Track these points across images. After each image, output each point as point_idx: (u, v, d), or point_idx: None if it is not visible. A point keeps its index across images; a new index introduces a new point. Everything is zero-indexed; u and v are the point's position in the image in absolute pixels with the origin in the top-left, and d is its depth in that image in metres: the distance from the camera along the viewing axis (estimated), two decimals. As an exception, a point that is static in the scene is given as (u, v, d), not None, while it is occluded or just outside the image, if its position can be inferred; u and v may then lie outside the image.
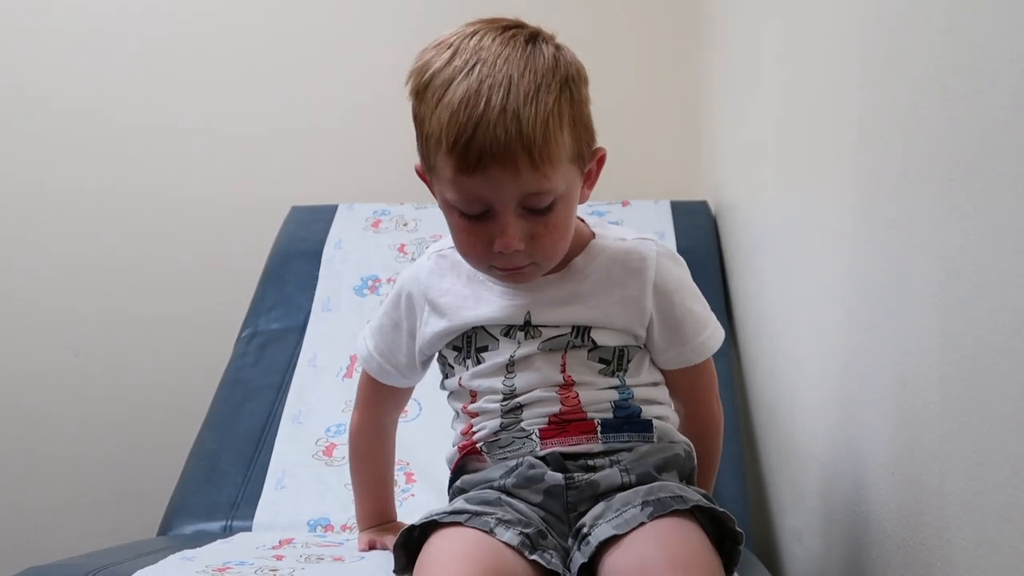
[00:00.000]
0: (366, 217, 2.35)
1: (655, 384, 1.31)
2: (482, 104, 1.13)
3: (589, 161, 1.24)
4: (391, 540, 1.29)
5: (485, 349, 1.28)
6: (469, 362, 1.29)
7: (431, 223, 2.31)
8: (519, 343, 1.27)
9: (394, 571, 1.20)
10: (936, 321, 1.04)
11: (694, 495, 1.19)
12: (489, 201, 1.16)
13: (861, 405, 1.29)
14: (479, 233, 1.19)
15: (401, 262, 2.22)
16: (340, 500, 1.75)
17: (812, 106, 1.55)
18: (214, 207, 2.66)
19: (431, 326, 1.32)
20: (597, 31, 2.61)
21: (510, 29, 1.20)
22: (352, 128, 2.69)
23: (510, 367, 1.26)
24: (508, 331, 1.28)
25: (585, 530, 1.18)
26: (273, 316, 2.16)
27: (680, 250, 2.16)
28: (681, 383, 1.34)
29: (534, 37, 1.20)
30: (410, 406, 1.89)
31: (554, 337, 1.26)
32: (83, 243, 2.66)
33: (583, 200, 1.26)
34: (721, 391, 1.86)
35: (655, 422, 1.28)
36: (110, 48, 2.68)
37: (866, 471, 1.27)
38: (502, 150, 1.12)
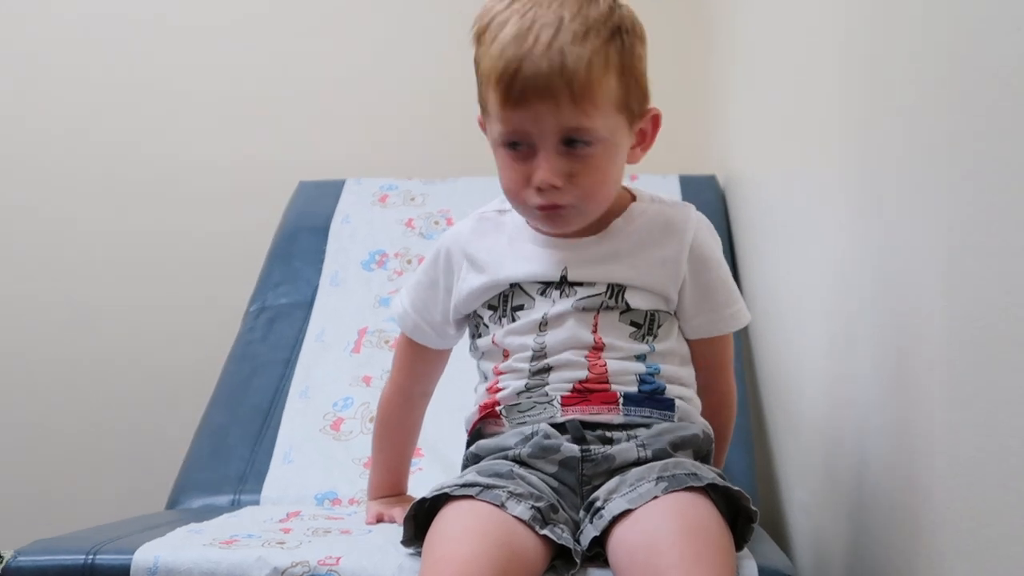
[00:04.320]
0: (373, 192, 2.34)
1: (683, 363, 1.31)
2: (531, 40, 1.18)
3: (640, 119, 1.28)
4: (400, 513, 1.30)
5: (521, 308, 1.29)
6: (504, 320, 1.30)
7: (439, 198, 2.30)
8: (554, 302, 1.28)
9: (402, 542, 1.21)
10: (941, 291, 1.03)
11: (709, 473, 1.19)
12: (531, 135, 1.21)
13: (866, 376, 1.29)
14: (522, 170, 1.23)
15: (409, 237, 2.22)
16: (347, 474, 1.75)
17: (821, 79, 1.54)
18: (222, 182, 2.65)
19: (468, 282, 1.33)
20: (605, 4, 2.59)
21: None
22: (360, 103, 2.68)
23: (543, 325, 1.27)
24: (544, 290, 1.29)
25: (599, 504, 1.18)
26: (281, 291, 2.16)
27: (688, 225, 2.16)
28: (704, 355, 1.35)
29: None
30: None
31: (588, 296, 1.27)
32: (90, 217, 2.66)
33: (634, 160, 1.29)
34: (729, 364, 1.86)
35: (678, 402, 1.28)
36: (117, 21, 2.68)
37: (872, 443, 1.26)
38: (544, 83, 1.17)
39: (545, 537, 1.15)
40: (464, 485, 1.19)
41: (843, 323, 1.40)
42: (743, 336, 2.04)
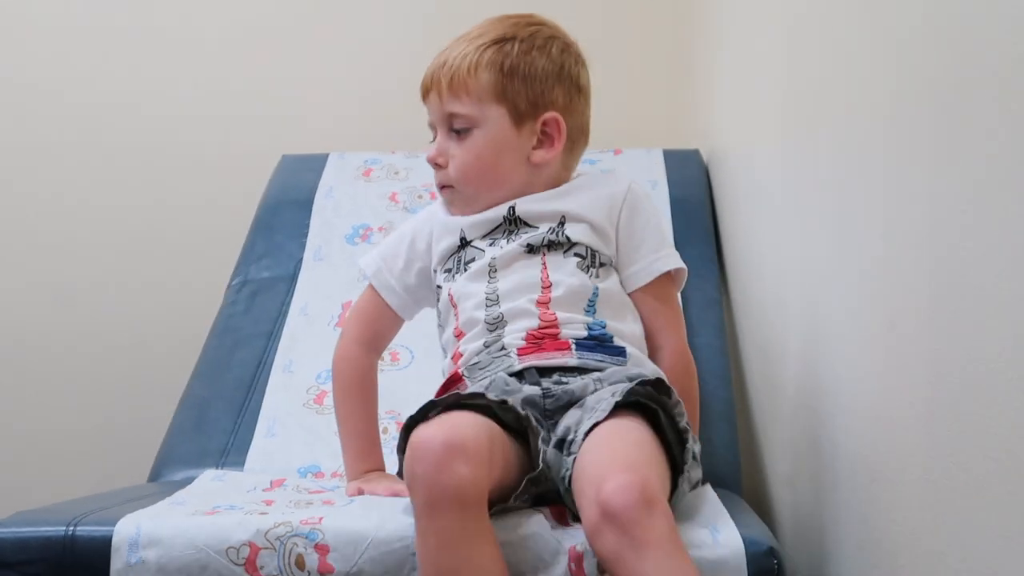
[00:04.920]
0: (357, 166, 2.33)
1: (633, 320, 1.42)
2: (443, 52, 1.47)
3: (530, 119, 1.44)
4: (382, 489, 1.33)
5: (472, 261, 1.43)
6: (459, 276, 1.42)
7: (422, 172, 2.28)
8: (501, 247, 1.42)
9: (397, 449, 1.26)
10: (925, 267, 1.03)
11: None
12: (434, 124, 1.47)
13: (851, 349, 1.29)
14: None
15: (392, 211, 2.21)
16: (330, 448, 1.74)
17: (805, 55, 1.54)
18: (204, 156, 2.64)
19: (434, 233, 1.48)
20: (590, -22, 2.60)
21: (517, 17, 1.48)
22: (343, 76, 2.67)
23: (492, 271, 1.39)
24: (493, 241, 1.43)
25: (571, 436, 1.25)
26: (263, 265, 2.14)
27: (673, 199, 2.18)
28: (649, 308, 1.45)
29: (529, 21, 1.48)
30: (402, 354, 1.89)
31: (533, 235, 1.41)
32: (73, 192, 2.64)
33: (539, 161, 1.45)
34: (712, 338, 1.87)
35: (629, 348, 1.37)
36: (99, 1, 2.66)
37: (855, 416, 1.27)
38: (431, 77, 1.46)
39: (523, 445, 1.24)
40: (448, 396, 1.26)
41: (826, 294, 1.41)
42: (726, 310, 2.04)
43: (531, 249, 1.41)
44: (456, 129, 1.44)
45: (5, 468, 2.58)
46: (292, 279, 2.11)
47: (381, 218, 2.19)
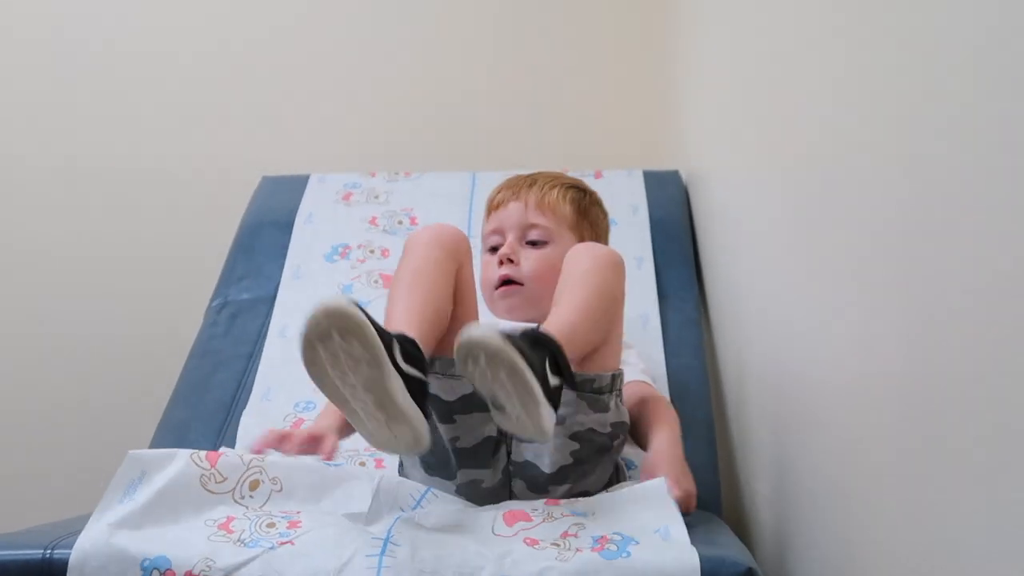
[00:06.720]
0: (337, 190, 2.32)
1: None
2: (515, 181, 1.79)
3: None
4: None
5: None
6: None
7: (402, 195, 2.29)
8: None
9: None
10: (897, 284, 1.04)
11: None
12: (504, 228, 1.75)
13: (826, 368, 1.29)
14: (494, 261, 1.72)
15: (372, 233, 2.20)
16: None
17: (782, 75, 1.55)
18: (184, 177, 2.64)
19: None
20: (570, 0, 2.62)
21: (577, 179, 1.85)
22: (324, 97, 2.68)
23: None
24: None
25: None
26: (243, 286, 2.14)
27: (653, 220, 2.18)
28: None
29: (588, 187, 1.85)
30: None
31: None
32: (52, 212, 2.64)
33: None
34: (691, 358, 1.87)
35: None
36: (79, 19, 2.66)
37: (831, 437, 1.27)
38: (518, 192, 1.76)
39: None
40: None
41: (803, 316, 1.41)
42: (706, 331, 2.04)
43: None
44: (531, 240, 1.72)
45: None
46: (272, 300, 2.10)
47: (361, 239, 2.19)
